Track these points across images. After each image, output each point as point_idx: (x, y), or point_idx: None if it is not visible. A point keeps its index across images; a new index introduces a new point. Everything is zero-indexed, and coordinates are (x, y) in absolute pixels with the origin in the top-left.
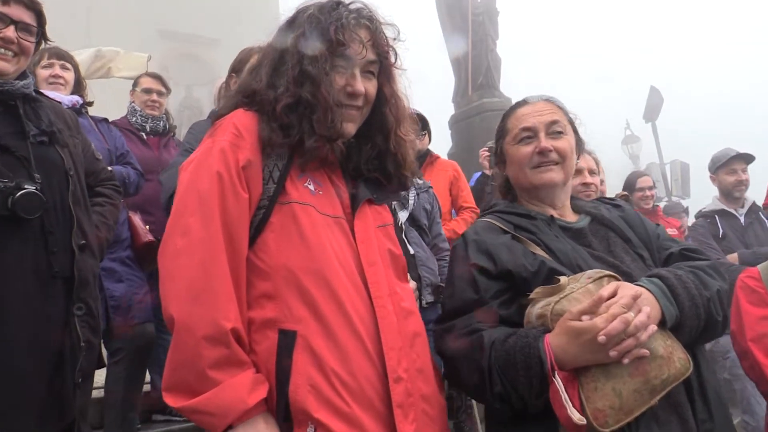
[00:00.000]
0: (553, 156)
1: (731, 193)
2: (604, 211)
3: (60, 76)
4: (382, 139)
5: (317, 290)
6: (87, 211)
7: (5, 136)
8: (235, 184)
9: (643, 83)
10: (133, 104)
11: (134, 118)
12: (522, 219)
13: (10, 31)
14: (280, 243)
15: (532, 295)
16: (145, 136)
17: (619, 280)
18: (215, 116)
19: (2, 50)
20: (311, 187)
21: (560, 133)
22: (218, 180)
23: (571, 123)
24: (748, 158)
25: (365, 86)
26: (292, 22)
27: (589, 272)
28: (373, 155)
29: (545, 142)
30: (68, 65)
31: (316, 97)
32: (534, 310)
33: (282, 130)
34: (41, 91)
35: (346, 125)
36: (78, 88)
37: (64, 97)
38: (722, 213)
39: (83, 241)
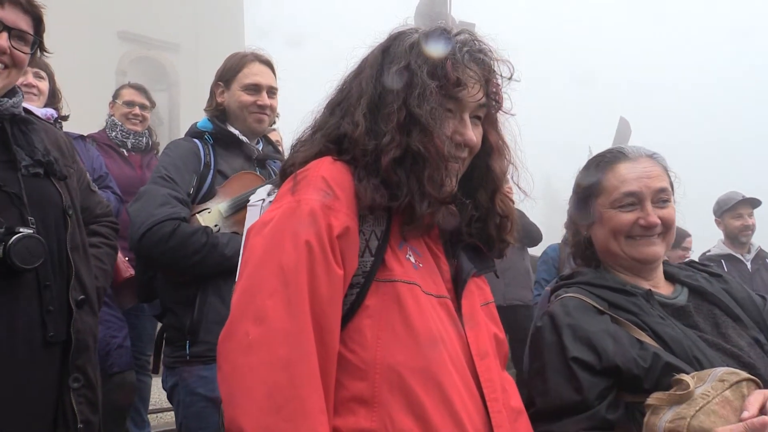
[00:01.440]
0: (658, 229)
1: (737, 237)
2: (704, 283)
3: (33, 86)
4: (486, 197)
5: (427, 395)
6: (86, 258)
7: None
8: (329, 258)
9: (612, 112)
10: (112, 117)
11: (114, 133)
12: (617, 295)
13: (2, 39)
14: (379, 332)
15: (651, 401)
16: (126, 153)
17: (758, 384)
18: (280, 167)
19: None
20: (412, 259)
21: (666, 201)
22: (307, 252)
23: (672, 185)
24: (754, 203)
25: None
26: (385, 51)
27: (718, 372)
28: (476, 217)
29: (653, 216)
30: (42, 73)
31: (427, 148)
32: (661, 424)
33: (387, 189)
34: (27, 106)
35: (450, 181)
36: (52, 99)
37: (37, 109)
38: (728, 257)
39: (82, 296)
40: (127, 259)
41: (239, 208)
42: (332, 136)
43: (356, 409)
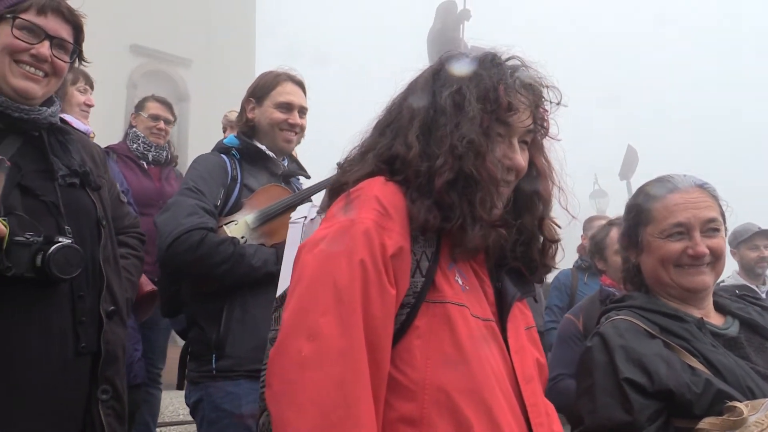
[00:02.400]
0: (706, 259)
1: (753, 269)
2: (756, 316)
3: (92, 105)
4: (532, 221)
5: (475, 417)
6: (117, 269)
7: (29, 175)
8: (382, 278)
9: (618, 140)
10: (134, 129)
11: (135, 145)
12: (669, 320)
13: (45, 48)
14: (429, 353)
15: (703, 425)
16: (145, 165)
17: None
18: (329, 186)
19: (32, 69)
20: (460, 281)
21: (716, 231)
22: (361, 270)
23: (723, 214)
24: None
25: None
26: (436, 74)
27: None
28: (520, 240)
29: (701, 246)
30: (90, 91)
31: (480, 172)
32: None
33: (439, 211)
34: (64, 117)
35: (499, 205)
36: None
37: (79, 124)
38: (743, 289)
39: (112, 307)
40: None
41: (266, 219)
42: (384, 156)
43: (404, 430)
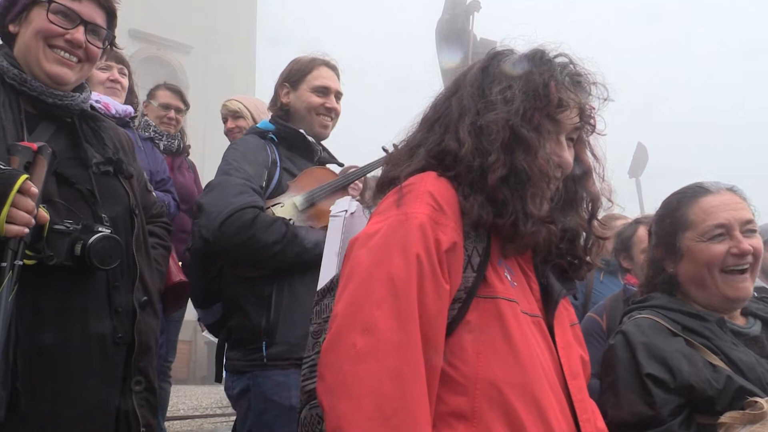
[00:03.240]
0: (749, 258)
1: None
2: None
3: (118, 81)
4: (579, 218)
5: (526, 412)
6: (148, 259)
7: (63, 162)
8: (437, 272)
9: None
10: (145, 118)
11: (146, 134)
12: (690, 319)
13: (80, 33)
14: (480, 348)
15: (724, 419)
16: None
17: None
18: (378, 181)
19: (66, 55)
20: (509, 277)
21: (753, 231)
22: (417, 265)
23: (753, 215)
24: None
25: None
26: (485, 71)
27: None
28: (566, 237)
29: (745, 243)
30: (125, 70)
31: (531, 168)
32: None
33: (493, 207)
34: (101, 98)
35: (548, 202)
36: (130, 96)
37: (118, 105)
38: (761, 290)
39: (145, 297)
40: (180, 263)
41: (314, 201)
42: (435, 152)
43: (455, 424)
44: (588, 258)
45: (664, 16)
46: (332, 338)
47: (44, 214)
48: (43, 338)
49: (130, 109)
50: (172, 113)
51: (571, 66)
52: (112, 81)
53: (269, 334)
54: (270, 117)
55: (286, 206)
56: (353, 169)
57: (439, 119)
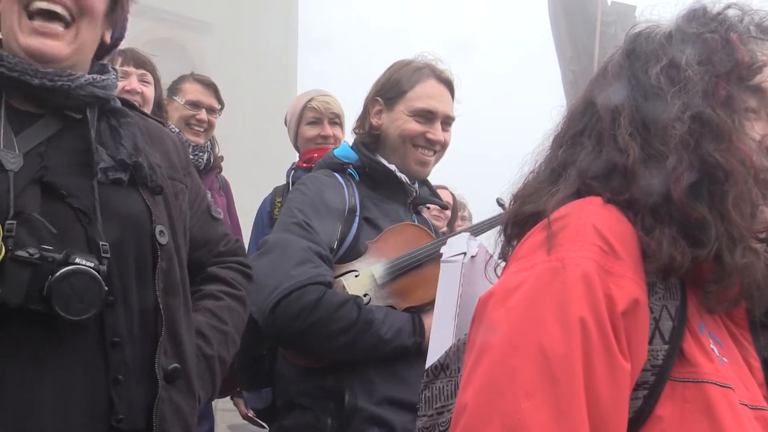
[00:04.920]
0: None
1: None
2: None
3: (137, 92)
4: None
5: None
6: (187, 309)
7: (57, 169)
8: (611, 345)
9: None
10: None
11: None
12: None
13: None
14: None
15: None
16: None
17: None
18: (509, 218)
19: (44, 23)
20: (716, 350)
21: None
22: (582, 334)
23: None
24: None
25: None
26: (631, 54)
27: None
28: None
29: None
30: (149, 77)
31: (727, 158)
32: None
33: (688, 240)
34: (127, 99)
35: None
36: (157, 112)
37: None
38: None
39: (175, 365)
40: None
41: (400, 273)
42: (591, 171)
43: None
44: None
45: None
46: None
47: None
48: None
49: None
50: (203, 114)
51: (755, 13)
52: (129, 92)
53: None
54: (352, 140)
55: (362, 277)
56: (460, 227)
57: (584, 130)
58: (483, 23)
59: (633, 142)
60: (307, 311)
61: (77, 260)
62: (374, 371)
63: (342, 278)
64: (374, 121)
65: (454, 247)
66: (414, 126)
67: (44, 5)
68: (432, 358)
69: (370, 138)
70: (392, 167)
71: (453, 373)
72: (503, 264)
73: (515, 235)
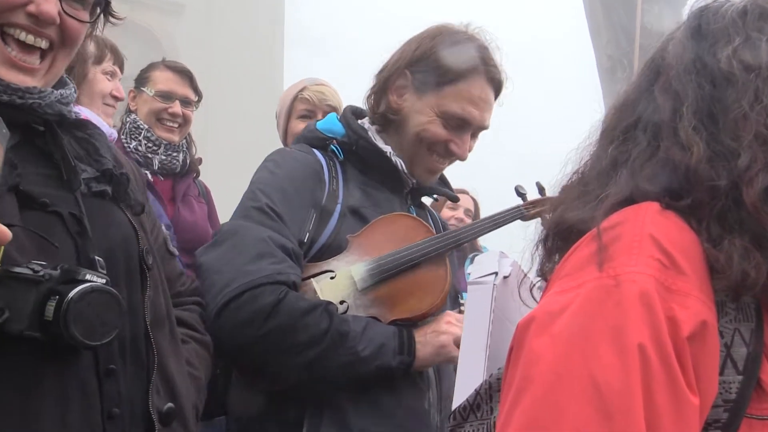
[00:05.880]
0: None
1: None
2: None
3: (120, 98)
4: None
5: None
6: (175, 344)
7: (31, 178)
8: (675, 375)
9: None
10: (133, 116)
11: (134, 143)
12: None
13: (50, 5)
14: None
15: None
16: (150, 177)
17: None
18: (552, 228)
19: (23, 56)
20: None
21: None
22: (641, 363)
23: None
24: None
25: None
26: (697, 33)
27: None
28: None
29: None
30: (119, 74)
31: None
32: None
33: (761, 251)
34: (79, 110)
35: None
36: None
37: (103, 125)
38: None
39: (169, 404)
40: None
41: (387, 276)
42: (646, 171)
43: None
44: None
45: None
46: None
47: (4, 230)
48: None
49: (113, 133)
50: (177, 106)
51: None
52: (115, 97)
53: None
54: (341, 112)
55: (339, 279)
56: (466, 224)
57: (638, 122)
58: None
59: (697, 137)
60: (262, 317)
61: (89, 276)
62: (347, 397)
63: (313, 280)
64: (394, 99)
65: (482, 266)
66: (438, 130)
67: (30, 40)
68: (460, 397)
69: (381, 119)
70: (387, 149)
71: (485, 414)
72: (542, 284)
73: (557, 248)
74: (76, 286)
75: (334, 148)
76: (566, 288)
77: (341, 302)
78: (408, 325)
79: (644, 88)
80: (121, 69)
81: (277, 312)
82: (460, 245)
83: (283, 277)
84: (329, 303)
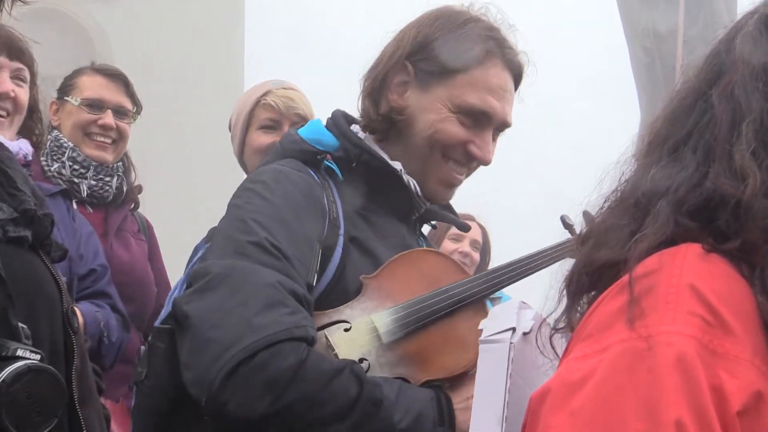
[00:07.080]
0: None
1: None
2: None
3: (10, 96)
4: None
5: None
6: (99, 416)
7: None
8: None
9: None
10: (55, 132)
11: (56, 165)
12: None
13: None
14: None
15: None
16: (75, 207)
17: None
18: (578, 270)
19: None
20: None
21: None
22: None
23: None
24: None
25: None
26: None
27: None
28: None
29: None
30: (25, 73)
31: None
32: None
33: None
34: None
35: None
36: (28, 120)
37: (10, 144)
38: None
39: None
40: None
41: (418, 327)
42: (689, 203)
43: None
44: None
45: None
46: None
47: None
48: None
49: (24, 147)
50: (109, 117)
51: None
52: (11, 98)
53: None
54: (328, 119)
55: (357, 330)
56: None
57: (688, 137)
58: None
59: (755, 164)
60: (283, 383)
61: (20, 352)
62: None
63: (324, 331)
64: (395, 98)
65: (498, 320)
66: (455, 129)
67: None
68: None
69: (381, 123)
70: (397, 166)
71: None
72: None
73: (583, 290)
74: (5, 366)
75: (330, 165)
76: (589, 352)
77: (361, 360)
78: (439, 385)
79: (702, 91)
80: (13, 55)
81: (300, 377)
82: (500, 288)
83: (302, 332)
84: (354, 363)
